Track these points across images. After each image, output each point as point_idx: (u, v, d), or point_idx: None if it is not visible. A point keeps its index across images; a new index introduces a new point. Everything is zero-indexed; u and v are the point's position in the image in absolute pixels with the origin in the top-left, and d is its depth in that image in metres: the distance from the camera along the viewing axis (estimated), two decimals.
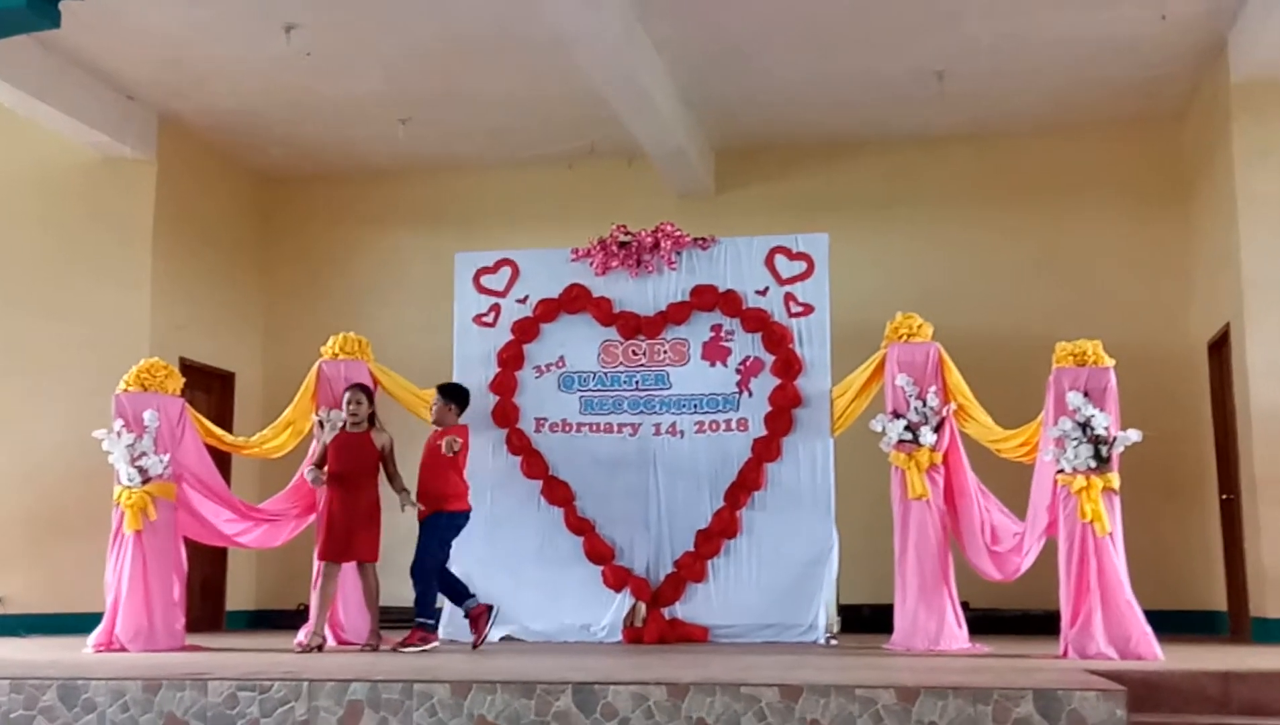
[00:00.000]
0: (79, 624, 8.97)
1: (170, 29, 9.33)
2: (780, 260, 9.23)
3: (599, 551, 9.01)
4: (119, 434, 8.33)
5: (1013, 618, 9.70)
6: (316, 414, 8.70)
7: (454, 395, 8.57)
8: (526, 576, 9.04)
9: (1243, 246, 9.23)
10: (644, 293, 9.36)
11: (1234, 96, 9.36)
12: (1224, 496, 9.86)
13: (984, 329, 10.29)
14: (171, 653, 7.87)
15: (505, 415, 9.31)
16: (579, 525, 9.07)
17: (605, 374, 9.32)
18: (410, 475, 8.31)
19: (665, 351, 9.29)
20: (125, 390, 8.48)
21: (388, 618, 9.29)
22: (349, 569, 8.34)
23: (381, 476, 8.33)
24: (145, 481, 8.28)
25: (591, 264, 9.42)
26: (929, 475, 8.09)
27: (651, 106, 9.71)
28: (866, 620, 9.32)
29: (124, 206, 10.78)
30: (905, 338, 8.43)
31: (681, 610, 8.85)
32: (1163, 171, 10.90)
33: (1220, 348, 9.87)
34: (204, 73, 10.07)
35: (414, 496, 8.18)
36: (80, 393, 9.89)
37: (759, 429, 9.02)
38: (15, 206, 10.83)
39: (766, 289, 9.20)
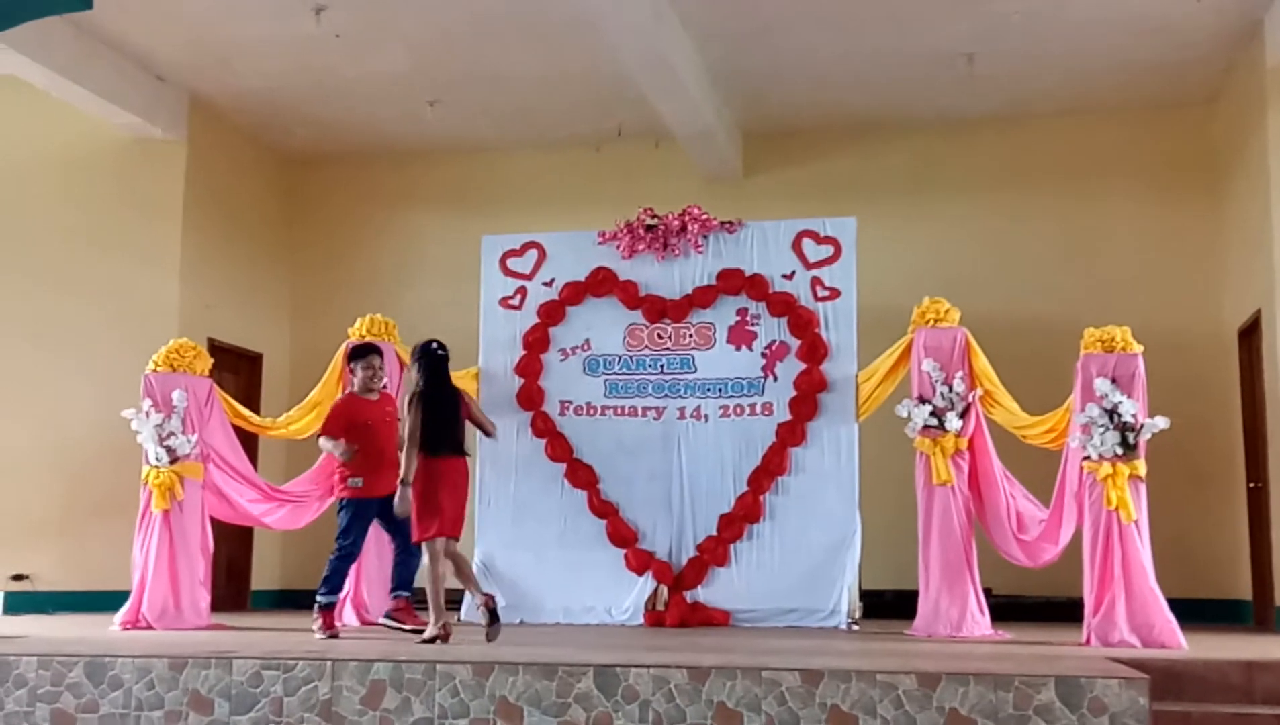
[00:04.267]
0: (106, 602, 9.06)
1: (199, 10, 9.37)
2: (807, 244, 9.20)
3: (622, 535, 9.03)
4: (147, 414, 8.41)
5: (1036, 605, 9.67)
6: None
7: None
8: (549, 559, 9.07)
9: (1275, 233, 9.10)
10: (670, 276, 9.34)
11: (1269, 81, 9.21)
12: (1251, 485, 9.79)
13: (1011, 314, 10.23)
14: (197, 631, 7.95)
15: (530, 398, 9.32)
16: (602, 508, 9.09)
17: (630, 357, 9.32)
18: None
19: (691, 335, 9.27)
20: (154, 370, 8.55)
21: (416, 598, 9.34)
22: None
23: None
24: (173, 461, 8.36)
25: (618, 247, 9.41)
26: (954, 461, 8.07)
27: (679, 86, 9.67)
28: (889, 606, 9.30)
29: (154, 187, 10.84)
30: (932, 323, 8.39)
31: (703, 594, 8.86)
32: (1193, 156, 10.78)
33: (1251, 335, 9.78)
34: (232, 54, 10.11)
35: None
36: (109, 372, 9.95)
37: (784, 413, 9.00)
38: (47, 187, 10.90)
39: (793, 273, 9.17)
